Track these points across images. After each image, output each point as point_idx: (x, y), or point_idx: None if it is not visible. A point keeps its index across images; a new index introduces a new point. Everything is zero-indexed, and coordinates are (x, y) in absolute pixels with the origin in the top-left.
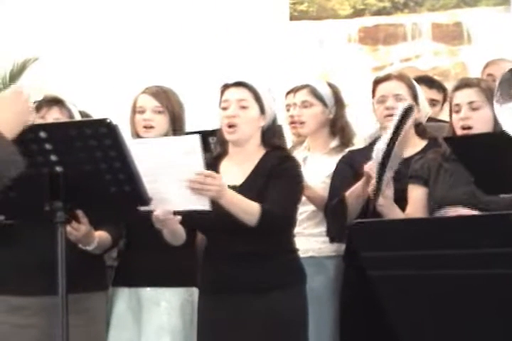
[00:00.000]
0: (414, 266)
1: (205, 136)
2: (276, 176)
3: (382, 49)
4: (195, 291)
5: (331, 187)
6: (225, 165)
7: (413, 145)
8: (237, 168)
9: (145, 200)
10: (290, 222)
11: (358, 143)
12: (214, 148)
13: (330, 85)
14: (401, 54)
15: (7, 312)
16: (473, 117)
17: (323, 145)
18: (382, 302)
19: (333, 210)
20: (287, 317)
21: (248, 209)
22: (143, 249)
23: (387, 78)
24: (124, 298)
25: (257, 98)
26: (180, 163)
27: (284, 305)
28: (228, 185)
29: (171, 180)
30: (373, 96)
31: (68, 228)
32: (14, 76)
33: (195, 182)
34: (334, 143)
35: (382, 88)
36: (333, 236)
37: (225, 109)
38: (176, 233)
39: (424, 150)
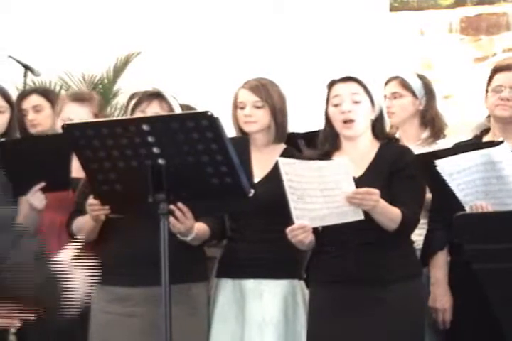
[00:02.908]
0: None
1: (293, 138)
2: (401, 173)
3: (485, 39)
4: (297, 284)
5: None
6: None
7: None
8: (352, 160)
9: (246, 192)
10: None
11: (449, 134)
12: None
13: (420, 76)
14: (504, 44)
15: (112, 302)
16: None
17: (415, 136)
18: (488, 295)
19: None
20: (406, 310)
21: (393, 217)
22: (247, 240)
23: (507, 68)
24: (227, 290)
25: (367, 91)
26: (333, 182)
27: (402, 298)
28: None
29: (324, 198)
30: (489, 83)
31: (173, 220)
32: (118, 70)
33: (355, 197)
34: (425, 134)
35: (501, 77)
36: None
37: (337, 105)
38: (312, 242)
39: None
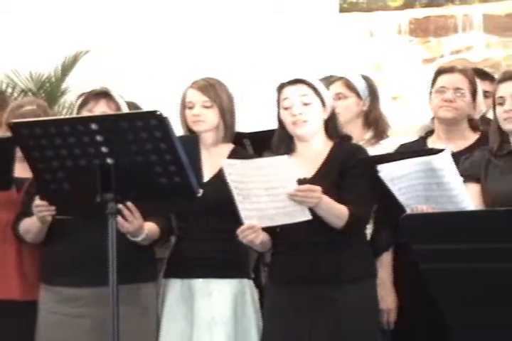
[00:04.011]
0: (464, 258)
1: (239, 137)
2: (352, 171)
3: (433, 41)
4: (247, 283)
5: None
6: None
7: (465, 139)
8: (306, 161)
9: (195, 191)
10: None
11: (397, 135)
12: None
13: (364, 77)
14: (452, 46)
15: (61, 303)
16: None
17: (358, 136)
18: (434, 295)
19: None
20: (358, 311)
21: (339, 214)
22: (195, 240)
23: (450, 70)
24: (176, 290)
25: (317, 92)
26: (276, 181)
27: (355, 298)
28: (298, 178)
29: (268, 197)
30: (433, 85)
31: (121, 220)
32: (66, 68)
33: (297, 195)
34: (369, 134)
35: (444, 79)
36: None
37: (287, 108)
38: (265, 243)
39: (476, 144)
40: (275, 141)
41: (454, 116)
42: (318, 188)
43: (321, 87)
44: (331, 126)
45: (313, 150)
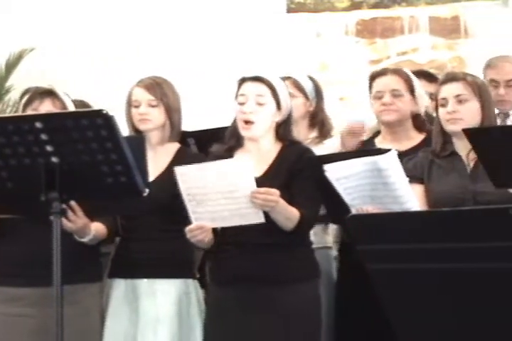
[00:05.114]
0: (410, 259)
1: (184, 136)
2: (301, 173)
3: (380, 42)
4: (191, 283)
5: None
6: (239, 156)
7: (409, 139)
8: (254, 160)
9: (141, 191)
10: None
11: (339, 135)
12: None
13: (311, 78)
14: (398, 47)
15: (4, 303)
16: (461, 110)
17: (304, 137)
18: (380, 295)
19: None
20: (302, 310)
21: (290, 217)
22: (139, 240)
23: (382, 73)
24: (120, 290)
25: (274, 94)
26: (234, 184)
27: (299, 298)
28: None
29: (225, 200)
30: (370, 91)
31: (64, 220)
32: (10, 66)
33: (256, 197)
34: (313, 134)
35: (379, 83)
36: None
37: (241, 103)
38: (209, 242)
39: (422, 144)
40: (228, 132)
41: (397, 118)
42: (276, 191)
43: (281, 88)
44: (282, 129)
45: (261, 150)
